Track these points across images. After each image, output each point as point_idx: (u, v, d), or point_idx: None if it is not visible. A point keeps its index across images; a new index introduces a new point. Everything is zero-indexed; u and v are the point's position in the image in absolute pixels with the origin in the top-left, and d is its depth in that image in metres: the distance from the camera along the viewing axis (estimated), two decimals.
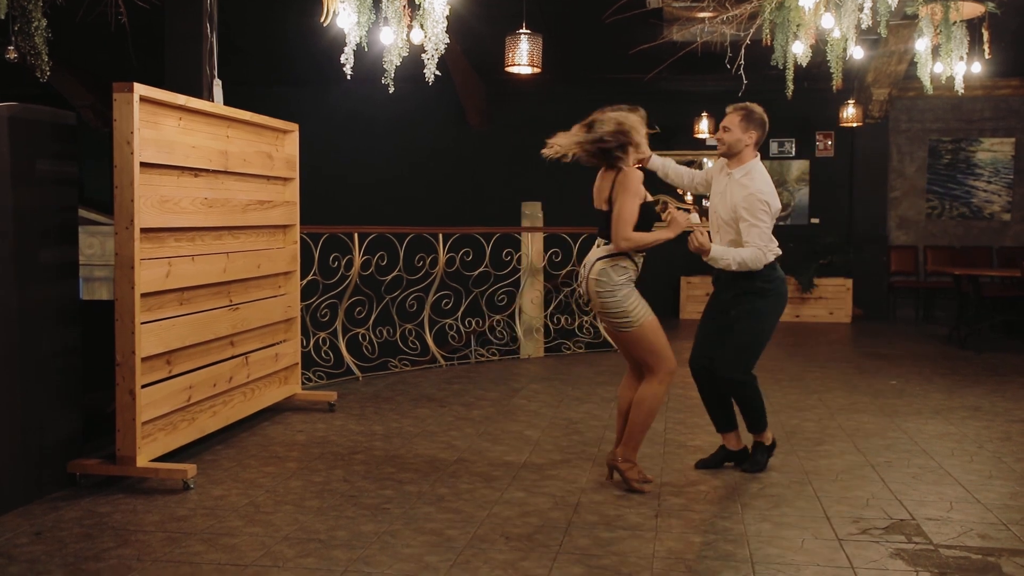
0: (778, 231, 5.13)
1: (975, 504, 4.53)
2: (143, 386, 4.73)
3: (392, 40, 5.00)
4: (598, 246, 4.75)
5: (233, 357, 5.73)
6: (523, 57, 7.84)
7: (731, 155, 4.99)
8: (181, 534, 4.03)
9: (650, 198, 4.72)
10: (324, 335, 7.82)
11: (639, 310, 4.65)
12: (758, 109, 5.04)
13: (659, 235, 4.70)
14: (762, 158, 5.09)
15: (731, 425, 5.19)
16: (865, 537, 4.05)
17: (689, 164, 13.75)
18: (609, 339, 4.78)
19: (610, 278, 4.63)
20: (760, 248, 4.82)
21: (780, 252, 4.96)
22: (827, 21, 6.05)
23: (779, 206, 4.96)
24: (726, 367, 4.96)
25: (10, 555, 3.77)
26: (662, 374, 4.72)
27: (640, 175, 4.69)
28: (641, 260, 4.76)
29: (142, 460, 4.69)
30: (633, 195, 4.61)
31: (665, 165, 5.28)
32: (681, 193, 13.70)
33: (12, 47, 6.54)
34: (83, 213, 6.23)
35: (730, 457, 5.19)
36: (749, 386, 5.00)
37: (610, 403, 6.89)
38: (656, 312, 4.79)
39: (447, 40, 4.95)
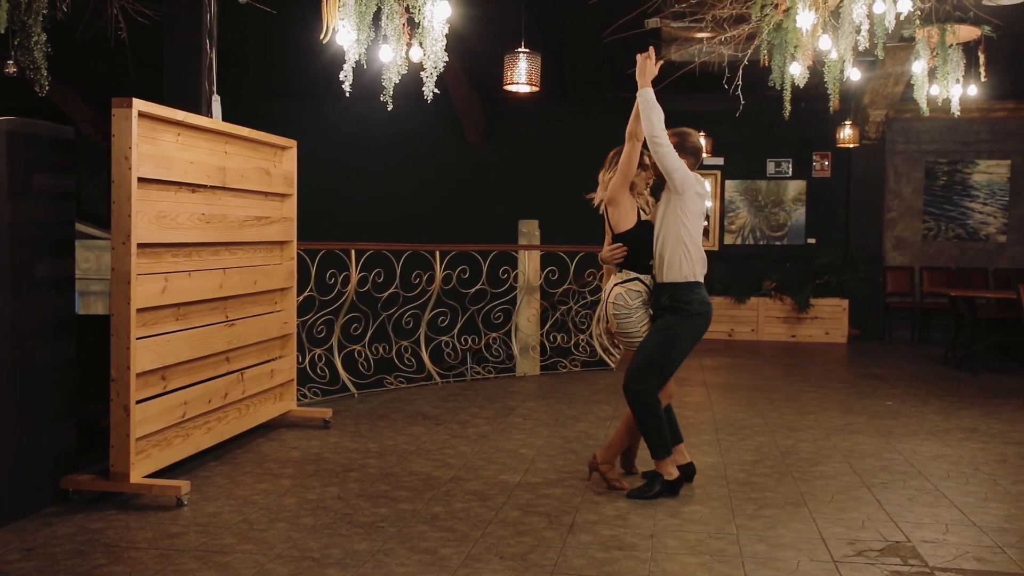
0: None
1: (971, 527, 4.52)
2: (138, 402, 4.71)
3: (391, 58, 5.01)
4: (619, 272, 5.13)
5: (228, 373, 5.72)
6: (522, 75, 7.87)
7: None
8: (174, 551, 4.01)
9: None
10: (320, 351, 7.80)
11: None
12: (693, 135, 5.13)
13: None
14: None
15: (673, 439, 5.16)
16: (861, 559, 4.04)
17: None
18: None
19: (625, 302, 5.03)
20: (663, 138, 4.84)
21: (699, 276, 4.98)
22: (824, 43, 6.07)
23: (697, 187, 5.00)
24: (626, 376, 4.97)
25: (1, 571, 3.75)
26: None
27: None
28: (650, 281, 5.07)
29: (136, 476, 4.67)
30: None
31: None
32: None
33: (12, 61, 6.56)
34: (80, 227, 6.23)
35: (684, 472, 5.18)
36: (645, 404, 4.92)
37: (606, 422, 6.87)
38: None
39: (446, 58, 4.96)
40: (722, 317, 12.55)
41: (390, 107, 5.12)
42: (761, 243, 13.30)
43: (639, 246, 5.03)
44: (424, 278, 8.44)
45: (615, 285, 5.09)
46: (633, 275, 5.06)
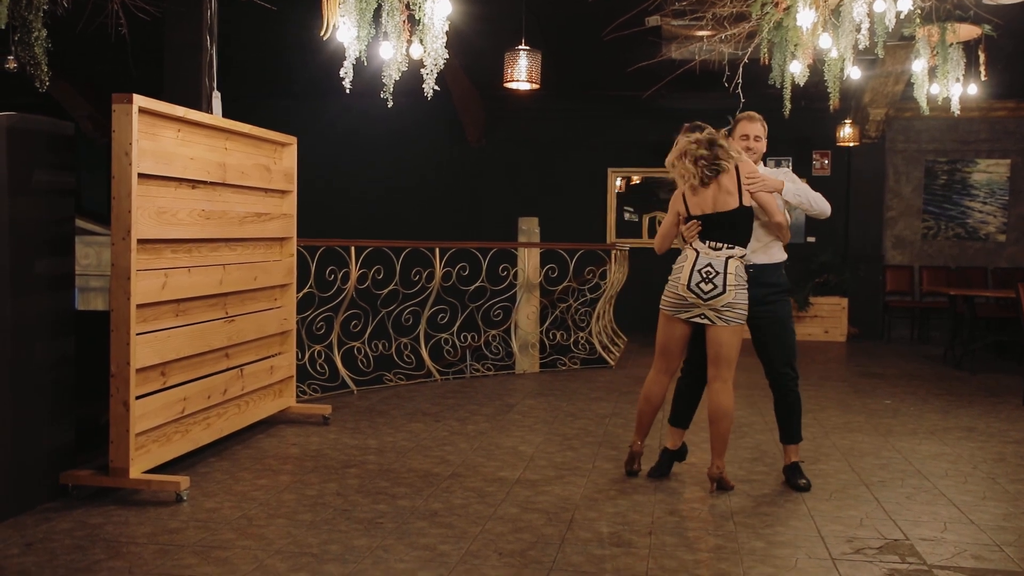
0: None
1: (969, 525, 4.53)
2: (137, 397, 4.72)
3: (391, 55, 5.01)
4: (717, 248, 5.03)
5: (228, 369, 5.73)
6: (522, 73, 7.88)
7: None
8: (173, 546, 4.01)
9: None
10: (319, 348, 7.81)
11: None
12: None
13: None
14: None
15: (687, 423, 5.38)
16: (859, 557, 4.05)
17: None
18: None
19: (744, 274, 5.10)
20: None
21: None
22: (824, 41, 6.07)
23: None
24: (789, 365, 5.19)
25: (1, 566, 3.76)
26: (731, 382, 5.09)
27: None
28: None
29: (135, 472, 4.68)
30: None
31: None
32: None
33: (12, 57, 6.56)
34: (79, 223, 6.23)
35: (673, 457, 5.38)
36: (798, 387, 5.24)
37: (605, 419, 6.88)
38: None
39: (446, 55, 4.96)
40: None
41: (390, 104, 5.12)
42: None
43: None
44: (424, 275, 8.44)
45: (730, 259, 5.04)
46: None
